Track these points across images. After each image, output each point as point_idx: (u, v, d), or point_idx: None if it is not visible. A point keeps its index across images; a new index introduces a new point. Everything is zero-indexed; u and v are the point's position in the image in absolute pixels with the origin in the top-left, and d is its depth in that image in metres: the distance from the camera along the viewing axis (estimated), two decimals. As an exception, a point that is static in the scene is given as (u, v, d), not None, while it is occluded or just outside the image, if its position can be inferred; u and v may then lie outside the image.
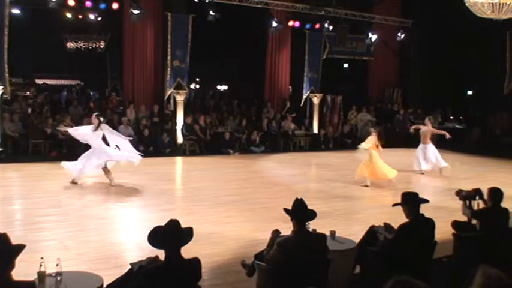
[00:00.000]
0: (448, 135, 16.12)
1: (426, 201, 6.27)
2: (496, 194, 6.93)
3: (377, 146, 13.55)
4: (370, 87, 25.17)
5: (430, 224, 6.18)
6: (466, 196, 7.41)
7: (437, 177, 15.25)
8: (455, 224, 7.34)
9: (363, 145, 13.90)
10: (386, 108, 24.19)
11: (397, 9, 23.48)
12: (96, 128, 12.48)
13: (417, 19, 22.88)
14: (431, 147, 15.54)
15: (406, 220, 6.16)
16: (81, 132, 12.86)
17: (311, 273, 5.25)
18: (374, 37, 23.00)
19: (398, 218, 6.41)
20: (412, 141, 21.95)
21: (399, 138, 22.39)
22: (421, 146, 15.71)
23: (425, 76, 23.66)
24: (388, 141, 21.72)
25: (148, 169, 15.34)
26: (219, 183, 13.59)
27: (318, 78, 22.19)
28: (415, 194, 6.26)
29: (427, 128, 15.79)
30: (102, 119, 12.81)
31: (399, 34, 23.07)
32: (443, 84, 22.34)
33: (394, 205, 6.35)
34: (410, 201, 6.17)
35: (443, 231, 6.99)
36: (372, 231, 6.64)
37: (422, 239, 6.10)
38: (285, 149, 20.31)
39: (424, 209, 6.22)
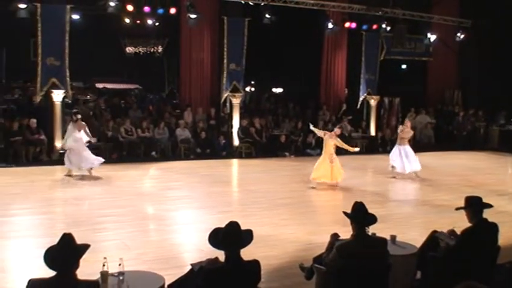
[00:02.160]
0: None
1: (490, 206, 6.10)
2: None
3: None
4: (429, 88, 24.69)
5: (493, 228, 6.00)
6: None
7: (499, 181, 14.86)
8: None
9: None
10: (446, 110, 23.72)
11: (456, 9, 23.00)
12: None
13: (476, 19, 22.34)
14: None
15: (468, 225, 6.02)
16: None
17: (371, 278, 5.18)
18: (433, 37, 22.59)
19: (459, 223, 6.27)
20: (472, 144, 21.60)
21: (458, 140, 21.97)
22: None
23: (486, 77, 23.06)
24: (448, 143, 21.52)
25: (205, 171, 15.56)
26: (275, 185, 13.59)
27: (375, 79, 21.95)
28: (479, 198, 6.08)
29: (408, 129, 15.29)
30: (79, 116, 14.13)
31: (458, 34, 22.58)
32: (504, 85, 21.71)
33: (457, 209, 6.20)
34: (474, 205, 6.01)
35: (506, 236, 6.81)
36: (434, 237, 6.49)
37: (485, 244, 5.94)
38: (341, 152, 20.08)
39: (486, 214, 6.06)
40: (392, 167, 15.00)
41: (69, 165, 13.96)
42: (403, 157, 14.74)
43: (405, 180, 14.80)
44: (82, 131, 13.99)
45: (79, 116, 14.20)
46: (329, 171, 13.22)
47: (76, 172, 14.05)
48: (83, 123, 14.18)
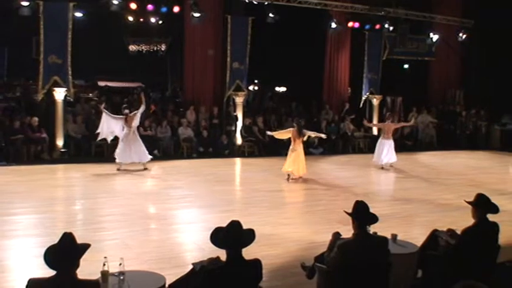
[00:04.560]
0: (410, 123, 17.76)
1: (496, 211, 6.05)
2: None
3: (295, 140, 13.84)
4: (431, 88, 24.67)
5: (494, 227, 6.02)
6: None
7: (500, 180, 14.85)
8: None
9: (276, 134, 14.76)
10: (448, 110, 23.68)
11: (458, 9, 22.95)
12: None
13: (479, 19, 22.31)
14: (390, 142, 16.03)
15: (469, 223, 6.02)
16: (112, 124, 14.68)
17: (372, 277, 5.18)
18: (435, 37, 22.56)
19: (460, 222, 6.29)
20: (474, 143, 21.59)
21: (461, 140, 21.94)
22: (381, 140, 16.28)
23: (488, 77, 23.01)
24: (450, 143, 21.51)
25: (208, 170, 15.54)
26: (278, 184, 13.58)
27: (378, 79, 21.95)
28: (488, 199, 6.07)
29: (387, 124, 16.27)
30: (127, 111, 14.66)
31: (460, 34, 22.54)
32: (506, 84, 21.63)
33: (466, 202, 6.16)
34: (481, 204, 6.00)
35: (506, 235, 6.79)
36: (434, 235, 6.50)
37: (486, 243, 5.94)
38: (343, 151, 20.13)
39: (487, 212, 6.07)
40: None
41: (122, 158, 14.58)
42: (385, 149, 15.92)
43: (407, 179, 14.83)
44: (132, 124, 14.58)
45: (127, 111, 14.67)
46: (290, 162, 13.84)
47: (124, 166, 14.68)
48: (132, 114, 14.63)
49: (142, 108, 14.91)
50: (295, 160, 13.75)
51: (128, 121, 14.50)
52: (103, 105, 15.07)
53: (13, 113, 18.11)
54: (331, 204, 11.17)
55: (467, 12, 22.72)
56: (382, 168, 16.00)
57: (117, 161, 14.57)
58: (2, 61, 25.90)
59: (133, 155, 14.59)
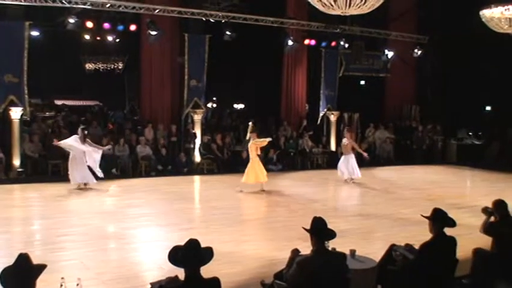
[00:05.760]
0: (365, 155, 17.63)
1: (453, 225, 6.17)
2: (500, 205, 6.84)
3: (259, 149, 14.84)
4: (387, 104, 25.00)
5: (451, 242, 6.12)
6: (492, 213, 7.29)
7: (457, 194, 15.14)
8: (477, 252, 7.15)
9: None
10: (405, 125, 24.07)
11: (413, 26, 23.43)
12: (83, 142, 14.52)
13: (433, 35, 22.82)
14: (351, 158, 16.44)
15: (427, 239, 6.12)
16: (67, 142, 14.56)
17: (331, 293, 5.21)
18: (390, 54, 22.97)
19: (418, 236, 6.37)
20: (431, 158, 21.99)
21: (417, 155, 22.30)
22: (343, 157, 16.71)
23: (443, 92, 23.53)
24: (407, 158, 21.85)
25: (167, 188, 15.43)
26: (237, 202, 13.58)
27: (335, 95, 22.19)
28: (444, 213, 6.18)
29: (347, 141, 16.67)
30: (86, 132, 14.75)
31: (416, 50, 22.97)
32: (461, 99, 22.17)
33: (423, 216, 6.27)
34: (437, 219, 6.10)
35: (464, 249, 6.91)
36: (392, 251, 6.57)
37: (444, 257, 6.04)
38: (302, 167, 20.25)
39: (445, 225, 6.17)
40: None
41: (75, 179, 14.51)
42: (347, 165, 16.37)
43: (365, 194, 15.00)
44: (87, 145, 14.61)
45: (86, 132, 14.78)
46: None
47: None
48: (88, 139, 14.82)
49: (105, 148, 15.40)
50: (252, 170, 14.54)
51: (82, 140, 14.47)
52: (56, 142, 14.69)
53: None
54: (291, 221, 11.20)
55: (422, 29, 23.21)
56: (346, 181, 16.39)
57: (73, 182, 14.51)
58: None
59: (79, 175, 14.48)
